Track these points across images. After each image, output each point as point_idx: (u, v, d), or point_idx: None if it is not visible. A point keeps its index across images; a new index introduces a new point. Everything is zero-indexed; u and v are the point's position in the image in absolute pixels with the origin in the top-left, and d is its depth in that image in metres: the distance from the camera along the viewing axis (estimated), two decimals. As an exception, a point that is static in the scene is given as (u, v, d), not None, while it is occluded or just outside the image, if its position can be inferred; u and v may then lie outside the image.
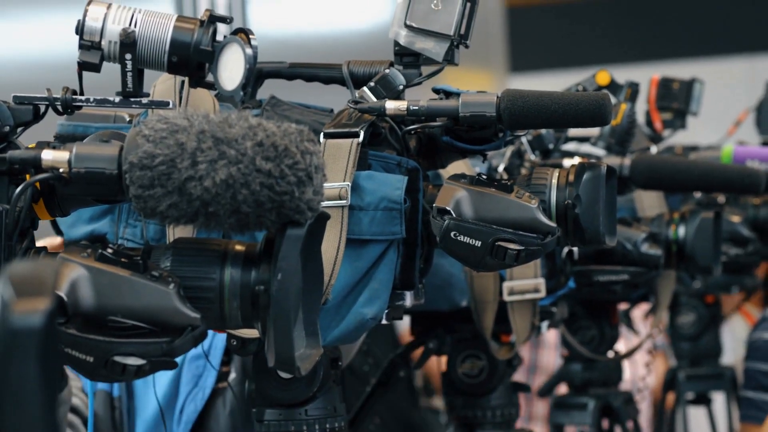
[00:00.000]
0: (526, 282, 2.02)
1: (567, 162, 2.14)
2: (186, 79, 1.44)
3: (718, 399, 3.29)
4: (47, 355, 0.93)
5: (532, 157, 2.17)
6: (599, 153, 2.33)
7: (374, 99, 1.64)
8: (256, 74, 1.76)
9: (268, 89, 1.82)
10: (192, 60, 1.39)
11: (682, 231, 2.32)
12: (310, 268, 1.24)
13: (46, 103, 1.36)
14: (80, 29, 1.39)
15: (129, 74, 1.39)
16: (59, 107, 1.38)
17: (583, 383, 2.59)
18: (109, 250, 1.20)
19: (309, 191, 1.17)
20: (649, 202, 2.51)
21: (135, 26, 1.38)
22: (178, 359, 1.20)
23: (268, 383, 1.67)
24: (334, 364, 1.70)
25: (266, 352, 1.22)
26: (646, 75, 2.91)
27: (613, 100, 1.64)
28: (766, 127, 3.05)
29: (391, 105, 1.61)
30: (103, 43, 1.39)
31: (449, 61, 1.65)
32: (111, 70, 1.41)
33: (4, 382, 0.91)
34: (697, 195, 2.82)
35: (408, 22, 1.65)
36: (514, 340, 2.10)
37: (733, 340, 4.50)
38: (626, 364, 3.07)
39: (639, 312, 3.02)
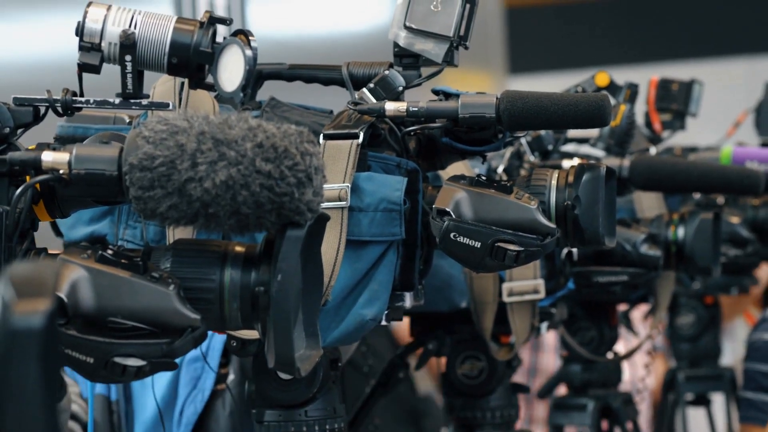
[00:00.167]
0: (526, 283, 2.02)
1: (566, 163, 2.14)
2: (186, 80, 1.44)
3: (718, 400, 3.29)
4: (48, 356, 0.93)
5: (532, 158, 2.17)
6: (598, 154, 2.33)
7: (374, 100, 1.64)
8: (255, 76, 1.76)
9: (267, 91, 1.82)
10: (192, 61, 1.39)
11: (681, 232, 2.33)
12: (310, 269, 1.24)
13: (46, 104, 1.37)
14: (80, 31, 1.39)
15: (129, 76, 1.39)
16: (59, 109, 1.38)
17: (582, 384, 2.59)
18: (109, 252, 1.20)
19: (309, 192, 1.17)
20: (649, 203, 2.51)
21: (135, 28, 1.38)
22: (177, 361, 1.21)
23: (267, 384, 1.67)
24: (333, 365, 1.71)
25: (266, 353, 1.22)
26: (645, 76, 2.92)
27: (612, 101, 1.64)
28: (765, 128, 3.05)
29: (390, 106, 1.61)
30: (103, 44, 1.39)
31: (449, 63, 1.66)
32: (111, 71, 1.41)
33: (4, 382, 0.92)
34: (697, 196, 2.82)
35: (407, 24, 1.65)
36: (513, 341, 2.10)
37: (733, 341, 4.51)
38: (626, 365, 3.07)
39: (638, 313, 3.02)
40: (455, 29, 1.64)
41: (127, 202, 1.19)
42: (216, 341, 2.07)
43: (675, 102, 2.91)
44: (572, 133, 2.33)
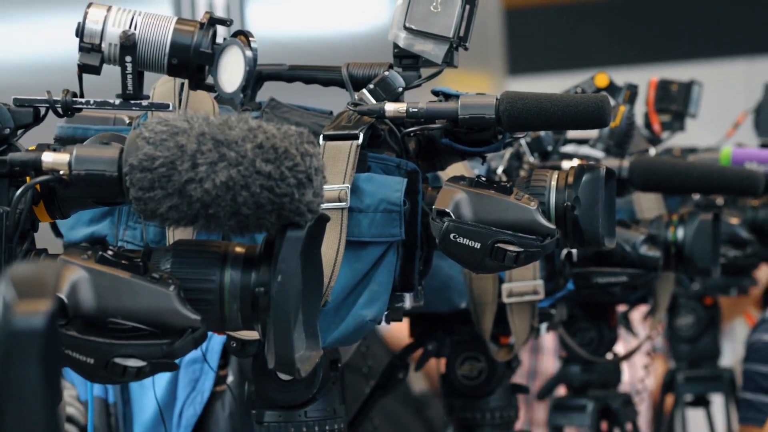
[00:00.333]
0: (525, 284, 2.02)
1: (566, 164, 2.14)
2: (186, 81, 1.44)
3: (717, 401, 3.29)
4: (48, 356, 0.93)
5: (531, 159, 2.17)
6: (598, 155, 2.33)
7: (373, 101, 1.64)
8: (255, 76, 1.76)
9: (267, 91, 1.82)
10: (192, 62, 1.39)
11: (680, 233, 2.33)
12: (310, 270, 1.24)
13: (47, 105, 1.37)
14: (80, 32, 1.39)
15: (129, 76, 1.39)
16: (59, 110, 1.38)
17: (582, 385, 2.59)
18: (110, 252, 1.20)
19: (309, 193, 1.17)
20: (648, 204, 2.51)
21: (135, 29, 1.38)
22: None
23: (267, 385, 1.67)
24: (333, 365, 1.71)
25: (266, 354, 1.22)
26: (644, 77, 2.92)
27: (611, 102, 1.64)
28: (764, 129, 3.05)
29: (390, 107, 1.61)
30: (103, 45, 1.39)
31: (448, 63, 1.66)
32: (111, 72, 1.41)
33: (5, 383, 0.92)
34: (696, 197, 2.82)
35: (407, 25, 1.65)
36: (513, 342, 2.10)
37: (733, 342, 4.51)
38: (625, 366, 3.07)
39: (638, 314, 3.02)
40: (455, 30, 1.64)
41: (127, 202, 1.19)
42: (215, 342, 2.07)
43: (674, 103, 2.91)
44: (572, 134, 2.33)
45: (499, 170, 2.06)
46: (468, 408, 2.18)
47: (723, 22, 7.25)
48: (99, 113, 1.72)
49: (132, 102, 1.40)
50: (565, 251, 2.11)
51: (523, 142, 2.15)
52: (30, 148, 1.29)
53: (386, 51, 1.68)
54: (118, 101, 1.40)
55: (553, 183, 1.64)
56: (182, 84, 1.66)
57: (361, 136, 1.59)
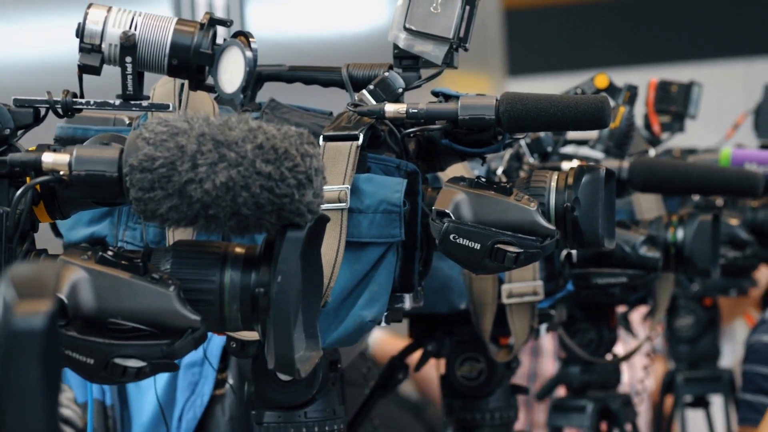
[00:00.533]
0: (525, 285, 2.02)
1: (566, 165, 2.14)
2: (186, 82, 1.45)
3: (717, 402, 3.29)
4: (48, 356, 0.93)
5: (531, 160, 2.17)
6: (598, 156, 2.33)
7: (373, 102, 1.64)
8: (255, 77, 1.76)
9: (267, 92, 1.82)
10: (192, 63, 1.39)
11: (680, 234, 2.33)
12: (309, 271, 1.24)
13: (47, 106, 1.37)
14: (80, 32, 1.39)
15: (129, 77, 1.39)
16: (59, 110, 1.38)
17: (581, 386, 2.59)
18: (110, 253, 1.20)
19: (309, 194, 1.17)
20: (648, 204, 2.51)
21: (135, 29, 1.39)
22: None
23: (267, 385, 1.67)
24: (333, 366, 1.71)
25: (266, 355, 1.22)
26: (644, 78, 2.92)
27: (611, 103, 1.64)
28: (764, 129, 3.06)
29: (390, 108, 1.61)
30: (103, 46, 1.39)
31: (448, 64, 1.66)
32: (111, 73, 1.41)
33: (5, 383, 0.92)
34: (696, 198, 2.82)
35: (407, 25, 1.65)
36: (512, 343, 2.10)
37: (733, 343, 4.51)
38: (624, 367, 3.07)
39: (637, 315, 3.02)
40: (455, 31, 1.64)
41: (127, 203, 1.19)
42: (214, 346, 2.07)
43: (674, 104, 2.91)
44: (571, 134, 2.34)
45: (499, 171, 2.06)
46: (467, 409, 2.18)
47: (722, 23, 7.25)
48: (99, 114, 1.72)
49: (132, 102, 1.40)
50: (564, 252, 2.11)
51: (522, 143, 2.15)
52: (30, 149, 1.29)
53: (386, 52, 1.68)
54: (118, 102, 1.40)
55: (553, 184, 1.64)
56: (182, 85, 1.66)
57: (361, 136, 1.59)
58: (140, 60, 1.39)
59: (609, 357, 2.57)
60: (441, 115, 1.61)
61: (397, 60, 1.68)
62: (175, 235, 1.58)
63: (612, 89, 2.45)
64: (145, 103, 1.40)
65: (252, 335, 1.57)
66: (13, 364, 0.92)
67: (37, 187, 1.27)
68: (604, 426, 2.61)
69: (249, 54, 1.44)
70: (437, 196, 1.59)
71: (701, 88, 2.97)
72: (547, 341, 3.45)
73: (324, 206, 1.31)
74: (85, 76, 1.41)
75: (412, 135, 1.66)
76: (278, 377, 1.66)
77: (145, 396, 2.11)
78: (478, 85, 4.71)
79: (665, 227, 2.34)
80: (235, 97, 1.46)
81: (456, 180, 1.60)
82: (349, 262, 1.56)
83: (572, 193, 1.62)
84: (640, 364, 3.32)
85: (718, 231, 2.34)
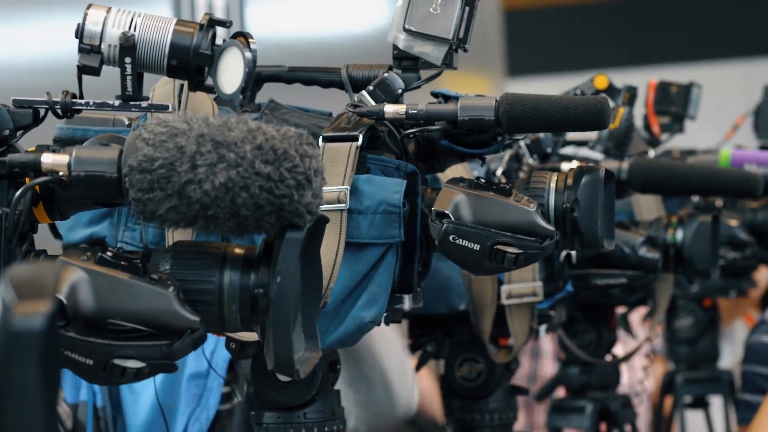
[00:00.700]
0: (525, 285, 2.02)
1: (565, 166, 2.15)
2: (185, 82, 1.44)
3: (716, 402, 3.29)
4: (48, 357, 0.93)
5: (531, 160, 2.17)
6: (597, 157, 2.33)
7: (373, 103, 1.64)
8: (255, 78, 1.76)
9: (266, 93, 1.82)
10: (191, 63, 1.39)
11: (680, 235, 2.33)
12: (309, 272, 1.24)
13: (46, 106, 1.37)
14: (80, 33, 1.39)
15: (128, 78, 1.39)
16: (59, 111, 1.38)
17: (581, 386, 2.59)
18: (109, 254, 1.20)
19: (308, 194, 1.17)
20: (647, 205, 2.51)
21: (134, 30, 1.38)
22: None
23: (266, 386, 1.67)
24: (332, 367, 1.71)
25: (265, 355, 1.22)
26: (644, 79, 2.92)
27: (611, 103, 1.64)
28: (763, 130, 3.06)
29: (389, 109, 1.61)
30: (102, 46, 1.39)
31: (448, 65, 1.66)
32: (110, 73, 1.41)
33: (4, 384, 0.92)
34: (695, 199, 2.82)
35: (407, 26, 1.65)
36: (512, 344, 2.10)
37: (733, 344, 4.51)
38: (624, 368, 3.07)
39: (637, 316, 3.02)
40: (454, 32, 1.64)
41: (126, 204, 1.19)
42: (219, 359, 2.06)
43: (674, 105, 2.91)
44: (571, 135, 2.34)
45: (499, 172, 2.06)
46: (467, 409, 2.18)
47: (722, 23, 7.26)
48: (98, 114, 1.72)
49: (131, 103, 1.40)
50: (564, 253, 2.11)
51: (522, 143, 2.15)
52: (29, 150, 1.29)
53: (386, 53, 1.68)
54: (117, 102, 1.40)
55: (553, 185, 1.64)
56: (182, 85, 1.66)
57: (361, 137, 1.59)
58: (139, 61, 1.39)
59: (608, 358, 2.57)
60: (440, 116, 1.61)
61: (396, 61, 1.68)
62: (175, 235, 1.58)
63: (611, 90, 2.45)
64: (144, 103, 1.40)
65: (251, 336, 1.57)
66: (13, 364, 0.92)
67: (37, 187, 1.27)
68: (603, 427, 2.61)
69: (248, 55, 1.44)
70: (437, 197, 1.59)
71: (701, 89, 2.97)
72: (547, 342, 3.45)
73: (323, 207, 1.31)
74: (85, 77, 1.40)
75: (411, 136, 1.66)
76: (277, 378, 1.66)
77: (141, 398, 2.10)
78: (477, 86, 4.71)
79: (665, 228, 2.34)
80: (235, 97, 1.46)
81: (455, 181, 1.60)
82: (348, 263, 1.56)
83: (572, 194, 1.62)
84: (639, 364, 3.32)
85: (717, 232, 2.34)
